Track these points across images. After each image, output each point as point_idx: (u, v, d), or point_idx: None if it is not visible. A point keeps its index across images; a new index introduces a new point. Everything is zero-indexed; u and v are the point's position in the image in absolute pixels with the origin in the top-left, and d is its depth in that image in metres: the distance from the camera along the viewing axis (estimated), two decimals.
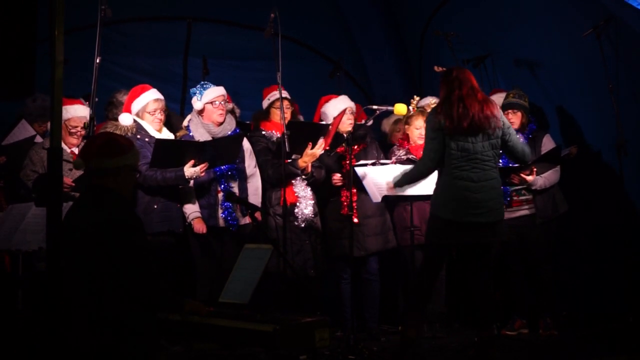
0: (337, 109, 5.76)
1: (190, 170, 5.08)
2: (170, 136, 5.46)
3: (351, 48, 7.66)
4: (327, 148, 5.49)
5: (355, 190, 5.53)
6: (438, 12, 6.96)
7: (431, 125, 4.62)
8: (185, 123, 5.55)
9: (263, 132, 5.69)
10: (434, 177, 4.76)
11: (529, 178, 5.54)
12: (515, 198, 5.78)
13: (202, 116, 5.42)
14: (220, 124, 5.42)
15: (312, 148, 5.40)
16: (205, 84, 5.51)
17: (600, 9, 5.49)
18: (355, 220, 5.54)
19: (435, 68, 5.13)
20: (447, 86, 4.65)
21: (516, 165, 5.64)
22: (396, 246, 5.85)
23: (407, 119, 5.86)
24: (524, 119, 5.81)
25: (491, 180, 4.57)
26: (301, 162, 5.44)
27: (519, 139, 4.80)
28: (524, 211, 5.77)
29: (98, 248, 3.28)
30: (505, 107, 5.83)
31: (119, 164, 3.43)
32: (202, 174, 5.16)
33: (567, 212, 5.81)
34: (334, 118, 5.50)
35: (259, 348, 4.49)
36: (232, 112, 6.16)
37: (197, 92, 5.44)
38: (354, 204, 5.52)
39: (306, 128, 5.50)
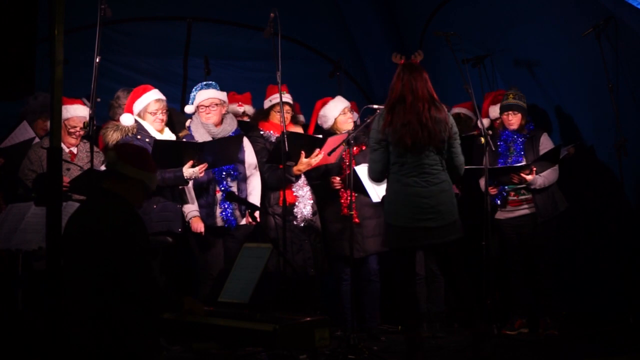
0: (338, 109, 5.81)
1: (189, 170, 5.08)
2: (172, 136, 5.46)
3: (351, 48, 7.66)
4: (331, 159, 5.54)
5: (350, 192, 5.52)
6: (438, 12, 6.97)
7: (375, 135, 4.52)
8: (187, 123, 5.57)
9: (261, 132, 5.70)
10: None
11: (529, 177, 5.55)
12: (514, 198, 5.78)
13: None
14: (219, 124, 5.42)
15: (306, 156, 5.44)
16: (207, 83, 5.51)
17: (599, 8, 5.49)
18: (356, 220, 5.54)
19: (394, 56, 5.08)
20: (394, 90, 4.53)
21: (516, 165, 5.65)
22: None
23: None
24: (523, 120, 5.81)
25: (441, 184, 4.49)
26: (295, 170, 5.48)
27: (460, 151, 4.64)
28: (524, 210, 5.77)
29: (100, 249, 3.30)
30: (504, 109, 5.83)
31: (138, 176, 3.52)
32: (201, 175, 5.17)
33: (567, 212, 5.81)
34: (339, 136, 5.49)
35: (259, 347, 4.51)
36: (243, 114, 6.17)
37: (191, 94, 5.47)
38: (353, 205, 5.52)
39: (303, 140, 5.51)
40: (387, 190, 4.61)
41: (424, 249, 4.77)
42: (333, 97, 5.97)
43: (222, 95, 5.49)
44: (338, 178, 5.72)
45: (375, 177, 4.64)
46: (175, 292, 4.25)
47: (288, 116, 5.64)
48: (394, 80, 4.59)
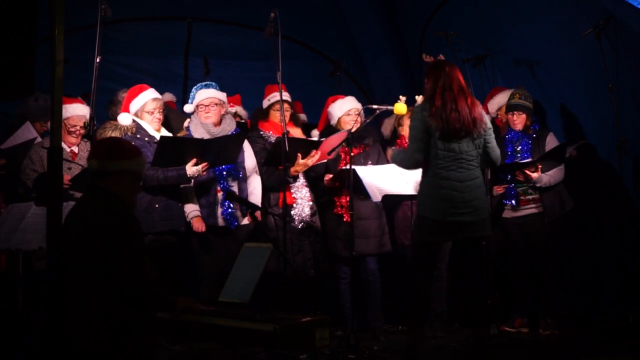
0: (343, 109, 5.81)
1: (192, 169, 5.09)
2: (169, 135, 5.46)
3: (351, 48, 7.66)
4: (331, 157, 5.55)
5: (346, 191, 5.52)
6: (438, 12, 6.97)
7: (419, 125, 4.54)
8: (185, 124, 5.57)
9: (261, 133, 5.70)
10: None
11: (534, 175, 5.54)
12: (521, 197, 5.78)
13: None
14: (219, 124, 5.42)
15: (302, 157, 5.44)
16: (206, 83, 5.51)
17: (599, 8, 5.49)
18: (347, 219, 5.54)
19: (424, 57, 5.10)
20: (437, 81, 4.57)
21: (522, 161, 5.64)
22: (391, 251, 5.85)
23: (398, 120, 5.89)
24: (528, 121, 5.80)
25: (476, 180, 4.56)
26: (292, 171, 5.48)
27: (496, 144, 4.76)
28: (531, 209, 5.76)
29: (94, 249, 3.29)
30: (509, 109, 5.83)
31: (121, 167, 3.46)
32: (204, 173, 5.17)
33: (567, 212, 5.81)
34: (337, 135, 5.48)
35: (259, 347, 4.51)
36: (235, 115, 6.17)
37: (191, 94, 5.47)
38: (346, 204, 5.53)
39: (300, 144, 5.52)
40: (422, 183, 4.65)
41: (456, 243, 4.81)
42: (345, 96, 5.99)
43: (222, 96, 5.48)
44: (330, 175, 5.71)
45: (412, 167, 4.69)
46: (170, 292, 4.23)
47: (287, 114, 5.65)
48: (433, 73, 4.63)
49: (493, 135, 4.71)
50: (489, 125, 4.66)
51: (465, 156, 4.52)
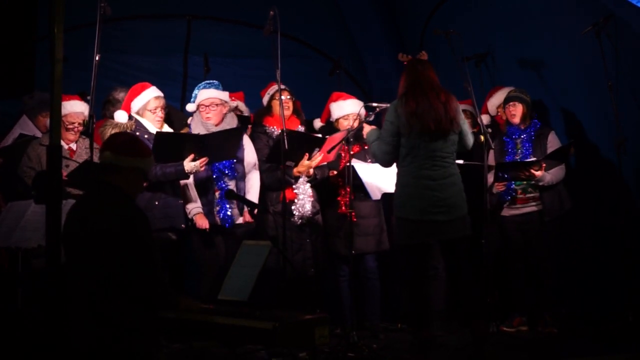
0: (341, 112, 5.81)
1: (190, 164, 5.08)
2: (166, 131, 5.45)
3: (351, 47, 7.66)
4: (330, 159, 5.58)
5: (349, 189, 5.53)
6: (437, 10, 6.97)
7: (390, 127, 4.55)
8: (188, 121, 5.57)
9: (265, 128, 5.69)
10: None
11: (538, 173, 5.54)
12: (520, 196, 5.77)
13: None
14: (220, 123, 5.41)
15: (308, 158, 5.45)
16: (208, 83, 5.51)
17: (599, 6, 5.50)
18: (354, 219, 5.54)
19: (400, 56, 5.12)
20: (409, 80, 4.58)
21: (526, 160, 5.64)
22: (389, 249, 5.86)
23: None
24: (525, 111, 5.79)
25: (451, 177, 4.54)
26: (295, 172, 5.49)
27: (469, 130, 4.76)
28: (531, 208, 5.76)
29: (101, 245, 3.28)
30: (507, 100, 5.85)
31: (134, 164, 3.47)
32: (202, 169, 5.17)
33: (568, 210, 5.81)
34: (336, 136, 5.48)
35: (258, 345, 4.51)
36: (236, 108, 6.16)
37: (194, 93, 5.47)
38: (348, 202, 5.54)
39: (303, 139, 5.52)
40: (397, 184, 4.62)
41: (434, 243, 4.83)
42: (349, 95, 5.99)
43: (223, 95, 5.48)
44: (335, 172, 5.72)
45: (386, 161, 4.68)
46: (173, 290, 4.23)
47: (290, 103, 5.66)
48: (406, 73, 4.65)
49: (466, 124, 4.70)
50: (463, 119, 4.66)
51: (440, 153, 4.50)
